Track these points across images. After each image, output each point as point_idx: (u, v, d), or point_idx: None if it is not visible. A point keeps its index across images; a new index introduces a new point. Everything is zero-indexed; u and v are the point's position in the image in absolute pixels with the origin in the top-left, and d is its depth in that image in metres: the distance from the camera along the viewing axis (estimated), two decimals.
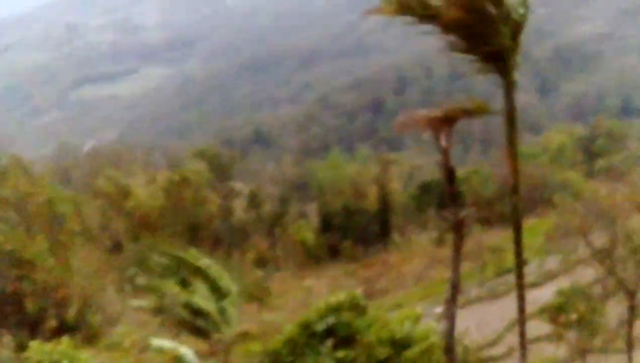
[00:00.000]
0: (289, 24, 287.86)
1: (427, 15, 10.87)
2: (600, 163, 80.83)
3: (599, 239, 37.73)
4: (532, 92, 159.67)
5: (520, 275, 11.83)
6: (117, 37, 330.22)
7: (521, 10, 10.91)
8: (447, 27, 10.66)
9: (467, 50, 11.13)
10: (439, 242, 67.06)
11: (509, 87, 11.16)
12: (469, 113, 12.44)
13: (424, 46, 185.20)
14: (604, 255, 37.03)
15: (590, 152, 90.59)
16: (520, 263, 11.99)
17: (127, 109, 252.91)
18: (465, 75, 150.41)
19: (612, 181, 53.93)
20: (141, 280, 15.37)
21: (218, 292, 13.05)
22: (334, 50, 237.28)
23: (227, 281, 13.56)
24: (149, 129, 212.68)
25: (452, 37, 10.96)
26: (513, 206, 11.86)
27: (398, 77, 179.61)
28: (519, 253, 11.80)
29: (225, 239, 78.04)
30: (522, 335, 11.58)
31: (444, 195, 14.74)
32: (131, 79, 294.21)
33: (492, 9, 10.62)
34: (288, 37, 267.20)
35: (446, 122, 12.40)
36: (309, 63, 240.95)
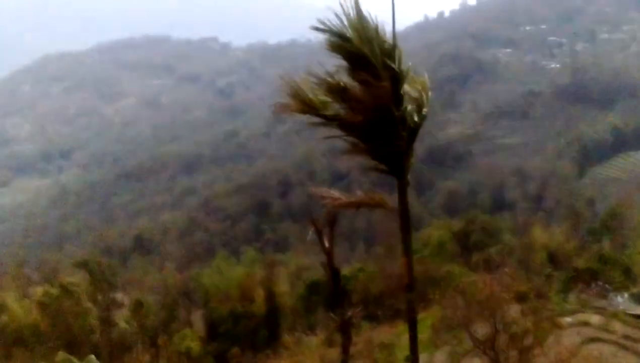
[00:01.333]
0: (169, 133, 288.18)
1: (332, 117, 11.15)
2: (477, 256, 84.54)
3: (482, 330, 38.90)
4: (410, 190, 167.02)
5: None
6: None
7: (417, 117, 11.58)
8: (351, 128, 10.95)
9: (366, 152, 11.49)
10: (329, 342, 66.22)
11: (403, 188, 11.62)
12: (370, 204, 12.80)
13: (305, 150, 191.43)
14: (486, 346, 38.09)
15: (467, 245, 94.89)
16: (416, 359, 11.97)
17: None
18: (347, 176, 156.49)
19: (489, 273, 56.26)
20: None
21: None
22: (216, 157, 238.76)
23: None
24: (23, 241, 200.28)
25: (352, 139, 11.26)
26: (409, 303, 11.99)
27: (281, 181, 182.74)
28: (414, 350, 11.78)
29: (104, 353, 73.16)
30: None
31: (331, 296, 14.67)
32: (4, 191, 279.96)
33: (394, 113, 11.06)
34: (168, 145, 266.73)
35: (351, 205, 12.58)
36: (190, 169, 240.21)
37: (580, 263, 65.00)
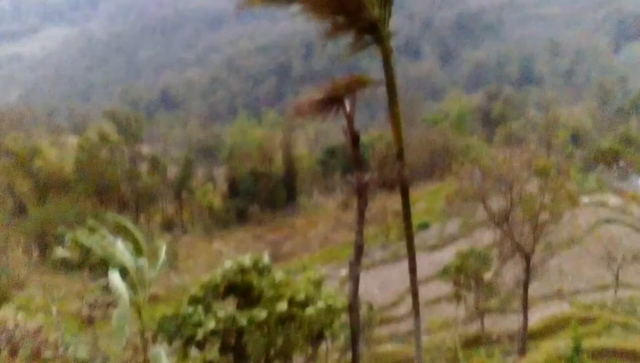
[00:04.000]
0: None
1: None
2: (500, 130, 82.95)
3: (498, 203, 38.48)
4: (435, 59, 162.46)
5: (410, 237, 11.50)
6: None
7: None
8: (314, 7, 10.35)
9: (340, 29, 10.83)
10: (345, 205, 67.02)
11: (386, 56, 10.88)
12: (351, 89, 12.24)
13: None
14: (501, 219, 37.80)
15: (489, 118, 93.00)
16: (409, 226, 11.62)
17: (29, 69, 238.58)
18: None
19: (510, 147, 55.19)
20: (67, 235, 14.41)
21: (138, 252, 12.44)
22: (241, 14, 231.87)
23: (144, 242, 12.96)
24: (52, 90, 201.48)
25: (322, 19, 10.72)
26: (398, 171, 11.46)
27: (304, 43, 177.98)
28: (407, 215, 11.44)
29: (131, 202, 75.27)
30: (415, 294, 11.35)
31: (349, 160, 14.35)
32: (33, 38, 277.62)
33: None
34: None
35: (331, 101, 12.23)
36: (215, 26, 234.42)
37: (604, 143, 63.32)
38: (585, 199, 44.60)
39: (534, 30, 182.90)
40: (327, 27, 10.71)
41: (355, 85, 12.16)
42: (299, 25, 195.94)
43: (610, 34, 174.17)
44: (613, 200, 46.95)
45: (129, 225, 12.87)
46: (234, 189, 78.12)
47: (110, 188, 73.46)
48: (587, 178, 53.83)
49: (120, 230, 12.97)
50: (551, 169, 40.97)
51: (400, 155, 11.44)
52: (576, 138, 76.42)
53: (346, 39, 11.06)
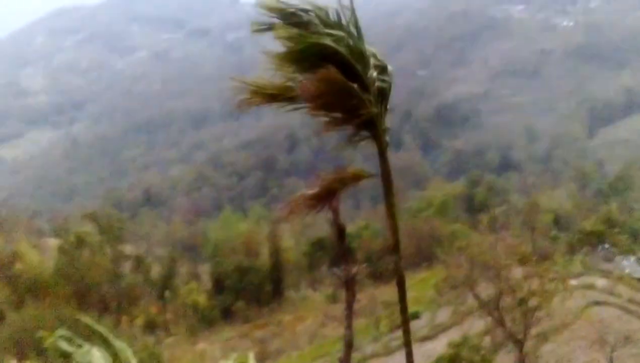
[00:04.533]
0: (179, 87, 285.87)
1: (291, 98, 10.68)
2: (483, 216, 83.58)
3: (487, 290, 38.29)
4: (416, 149, 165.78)
5: (407, 332, 11.34)
6: (3, 101, 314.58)
7: (381, 79, 11.21)
8: (314, 106, 10.84)
9: (337, 124, 11.30)
10: (333, 299, 66.15)
11: (382, 151, 11.24)
12: (347, 182, 12.31)
13: None
14: (491, 307, 37.45)
15: (472, 205, 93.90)
16: (406, 320, 11.49)
17: (12, 173, 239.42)
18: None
19: (494, 233, 55.49)
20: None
21: (116, 359, 12.01)
22: (224, 112, 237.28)
23: (123, 346, 12.53)
24: (35, 192, 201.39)
25: (321, 115, 11.22)
26: (395, 264, 11.49)
27: (288, 137, 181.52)
28: (403, 309, 11.34)
29: (113, 304, 73.74)
30: None
31: (336, 252, 14.23)
32: (17, 142, 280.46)
33: (351, 82, 10.85)
34: (177, 99, 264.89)
35: (325, 196, 12.19)
36: (199, 124, 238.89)
37: (586, 225, 63.96)
38: (573, 282, 44.49)
39: (509, 119, 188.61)
40: (324, 123, 11.04)
41: (351, 179, 12.18)
42: (282, 120, 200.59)
43: (583, 120, 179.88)
44: (600, 282, 46.91)
45: (105, 332, 12.56)
46: (219, 286, 77.08)
47: (91, 290, 72.24)
48: (573, 261, 53.98)
49: (97, 337, 12.67)
50: (532, 256, 41.12)
51: (396, 247, 11.52)
52: (559, 221, 77.21)
53: (340, 132, 11.40)
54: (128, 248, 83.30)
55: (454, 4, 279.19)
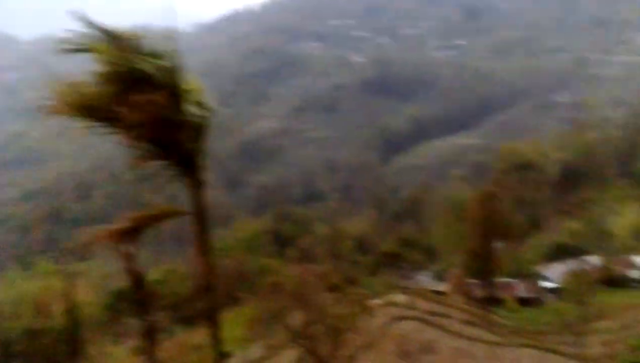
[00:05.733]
0: None
1: (109, 118, 10.61)
2: (291, 248, 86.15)
3: (298, 320, 39.58)
4: (220, 187, 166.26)
5: None
6: None
7: (200, 117, 11.25)
8: (131, 132, 10.46)
9: (152, 158, 11.01)
10: (138, 351, 63.49)
11: (197, 187, 11.18)
12: (158, 219, 12.02)
13: (106, 149, 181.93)
14: (301, 336, 38.73)
15: (280, 239, 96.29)
16: (217, 361, 11.59)
17: None
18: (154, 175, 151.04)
19: (302, 264, 57.39)
20: None
21: None
22: (2, 161, 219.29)
23: None
24: None
25: (137, 145, 10.78)
26: (210, 303, 11.47)
27: (79, 185, 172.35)
28: (217, 349, 11.39)
29: None
30: None
31: (134, 301, 13.74)
32: None
33: (172, 116, 10.73)
34: None
35: (133, 231, 11.79)
36: None
37: (386, 247, 68.82)
38: (377, 301, 47.53)
39: (310, 152, 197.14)
40: (137, 156, 10.49)
41: (162, 215, 11.79)
42: (71, 166, 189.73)
43: (378, 149, 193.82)
44: (401, 298, 50.66)
45: None
46: (6, 354, 70.36)
47: None
48: (376, 281, 57.70)
49: None
50: (339, 281, 43.51)
51: (211, 286, 11.30)
52: (361, 246, 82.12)
53: (152, 168, 10.92)
54: None
55: (252, 41, 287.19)
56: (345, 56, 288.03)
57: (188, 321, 64.74)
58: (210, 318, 11.47)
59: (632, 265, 67.20)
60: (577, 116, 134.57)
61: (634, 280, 65.30)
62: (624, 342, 46.23)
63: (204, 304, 11.79)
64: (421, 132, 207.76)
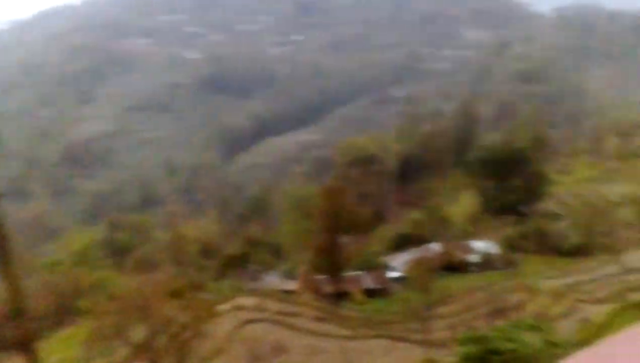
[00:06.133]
0: None
1: None
2: (129, 257, 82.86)
3: (141, 332, 38.10)
4: (46, 197, 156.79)
5: None
6: None
7: None
8: None
9: None
10: None
11: None
12: None
13: None
14: (143, 349, 37.35)
15: (117, 248, 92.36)
16: None
17: None
18: None
19: (143, 273, 55.54)
20: None
21: None
22: None
23: None
24: None
25: None
26: (22, 329, 10.50)
27: None
28: None
29: None
30: None
31: None
32: None
33: None
34: None
35: None
36: None
37: (232, 249, 68.35)
38: (224, 306, 46.96)
39: (147, 154, 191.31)
40: None
41: None
42: None
43: (219, 148, 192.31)
44: (250, 300, 50.48)
45: None
46: None
47: None
48: (223, 286, 57.05)
49: None
50: (183, 289, 42.59)
51: (20, 312, 10.48)
52: (206, 250, 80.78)
53: None
54: None
55: (74, 38, 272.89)
56: (178, 53, 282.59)
57: (4, 347, 60.20)
58: (23, 345, 10.49)
59: (471, 250, 72.01)
60: (412, 109, 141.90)
61: (472, 264, 70.01)
62: (467, 324, 49.40)
63: (16, 331, 10.80)
64: (262, 130, 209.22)
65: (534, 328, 36.52)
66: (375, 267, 68.63)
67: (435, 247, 70.88)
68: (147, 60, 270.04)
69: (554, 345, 38.27)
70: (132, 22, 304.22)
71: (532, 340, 32.25)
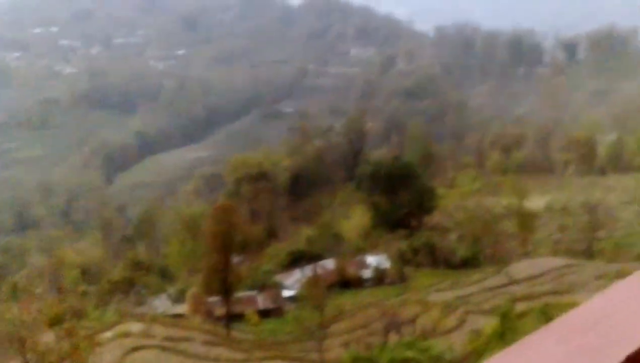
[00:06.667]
0: None
1: None
2: (3, 283, 77.93)
3: None
4: None
5: None
6: None
7: None
8: None
9: None
10: None
11: None
12: None
13: None
14: None
15: None
16: None
17: None
18: None
19: (16, 301, 52.03)
20: None
21: None
22: None
23: None
24: None
25: None
26: None
27: None
28: None
29: None
30: None
31: None
32: None
33: None
34: None
35: None
36: None
37: (116, 273, 65.51)
38: (108, 334, 44.57)
39: (20, 174, 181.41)
40: None
41: None
42: None
43: (99, 167, 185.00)
44: (136, 326, 48.26)
45: None
46: None
47: None
48: (106, 312, 54.36)
49: None
50: (64, 315, 40.14)
51: None
52: (87, 274, 77.15)
53: None
54: None
55: None
56: (52, 67, 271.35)
57: None
58: None
59: (364, 265, 72.71)
60: (301, 125, 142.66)
61: (366, 280, 70.67)
62: (362, 340, 49.53)
63: None
64: (146, 146, 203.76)
65: (412, 346, 37.42)
66: (269, 286, 67.88)
67: (328, 264, 71.04)
68: (18, 75, 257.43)
69: (437, 360, 39.09)
70: (2, 35, 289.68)
71: (415, 357, 32.80)
